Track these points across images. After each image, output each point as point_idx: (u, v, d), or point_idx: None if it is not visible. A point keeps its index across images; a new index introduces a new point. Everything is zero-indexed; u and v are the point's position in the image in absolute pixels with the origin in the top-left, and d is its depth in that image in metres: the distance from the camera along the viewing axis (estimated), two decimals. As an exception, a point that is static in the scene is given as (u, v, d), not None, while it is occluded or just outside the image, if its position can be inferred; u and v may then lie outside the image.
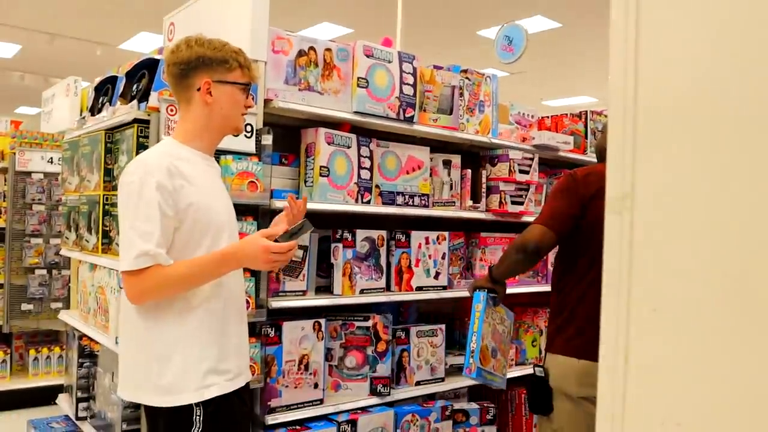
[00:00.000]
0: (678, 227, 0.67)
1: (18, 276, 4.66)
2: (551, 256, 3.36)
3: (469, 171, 3.40)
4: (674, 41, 0.69)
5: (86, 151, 2.82)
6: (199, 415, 1.76)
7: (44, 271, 4.72)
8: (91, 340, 2.92)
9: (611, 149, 0.73)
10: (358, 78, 2.84)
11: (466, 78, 3.34)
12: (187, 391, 1.76)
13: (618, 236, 0.71)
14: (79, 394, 2.98)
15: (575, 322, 2.39)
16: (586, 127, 3.93)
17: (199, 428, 1.76)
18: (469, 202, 3.38)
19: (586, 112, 3.98)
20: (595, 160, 2.84)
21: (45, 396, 4.16)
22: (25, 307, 4.69)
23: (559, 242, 2.41)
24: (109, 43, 9.43)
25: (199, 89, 1.85)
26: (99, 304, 2.73)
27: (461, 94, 3.29)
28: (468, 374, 2.42)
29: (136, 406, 2.42)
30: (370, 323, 2.96)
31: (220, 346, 1.84)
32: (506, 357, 2.61)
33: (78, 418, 2.99)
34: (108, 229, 2.61)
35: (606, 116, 4.01)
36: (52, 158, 4.70)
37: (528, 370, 3.55)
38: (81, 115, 3.34)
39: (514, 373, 3.57)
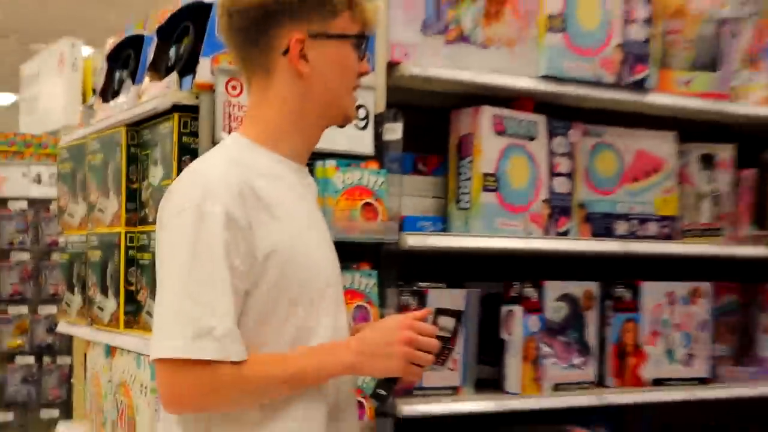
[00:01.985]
0: None
1: (-11, 368, 4.85)
2: None
3: (752, 172, 3.32)
4: None
5: (96, 162, 2.89)
6: None
7: (30, 359, 4.89)
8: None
9: None
10: (549, 16, 2.84)
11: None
12: None
13: None
14: None
15: None
16: None
17: None
18: (750, 230, 3.30)
19: None
20: None
21: None
22: (1, 417, 4.88)
23: None
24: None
25: (285, 52, 1.84)
26: (121, 411, 2.79)
27: (734, 35, 3.19)
28: None
29: None
30: (572, 447, 2.91)
31: None
32: None
33: None
34: (134, 288, 2.65)
35: None
36: (39, 175, 4.87)
37: None
38: (86, 102, 3.43)
39: None
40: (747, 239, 3.28)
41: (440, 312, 2.72)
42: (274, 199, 1.79)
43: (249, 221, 1.72)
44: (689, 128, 3.26)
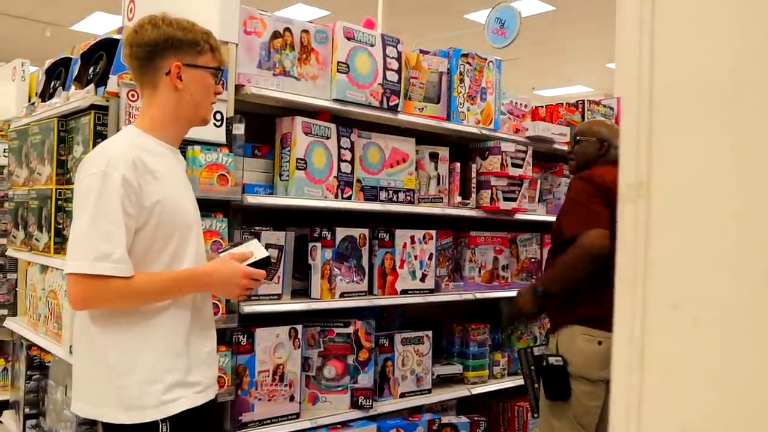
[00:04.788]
0: (699, 216, 0.67)
1: (-43, 280, 4.56)
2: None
3: (458, 164, 3.41)
4: (695, 12, 0.69)
5: (36, 141, 2.78)
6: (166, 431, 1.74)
7: (-14, 275, 4.61)
8: (42, 350, 2.88)
9: (625, 132, 0.72)
10: (338, 62, 2.84)
11: (467, 63, 3.36)
12: (151, 405, 1.72)
13: (632, 227, 0.71)
14: (27, 411, 2.93)
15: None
16: (583, 117, 3.96)
17: None
18: (458, 198, 3.39)
19: (584, 101, 4.01)
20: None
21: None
22: (-36, 315, 4.59)
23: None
24: (60, 23, 9.31)
25: (167, 73, 1.83)
26: (51, 309, 2.70)
27: (461, 81, 3.31)
28: None
29: (92, 423, 2.38)
30: (351, 330, 2.95)
31: (189, 355, 1.80)
32: None
33: (24, 437, 2.95)
34: (61, 226, 2.57)
35: (597, 109, 4.04)
36: (-3, 150, 4.58)
37: (520, 380, 3.57)
38: (30, 101, 3.29)
39: (507, 383, 3.60)
40: (456, 205, 3.38)
41: (268, 246, 2.70)
42: (157, 168, 1.78)
43: (139, 182, 1.72)
44: (422, 136, 3.32)
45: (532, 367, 2.96)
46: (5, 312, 4.50)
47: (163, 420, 1.74)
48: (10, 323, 3.24)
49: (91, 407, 1.80)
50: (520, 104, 3.90)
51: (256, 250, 1.95)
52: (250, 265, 1.90)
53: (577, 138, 2.94)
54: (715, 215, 0.66)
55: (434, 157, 3.34)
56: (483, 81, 3.42)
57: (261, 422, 2.65)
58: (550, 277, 2.83)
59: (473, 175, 3.46)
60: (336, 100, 2.85)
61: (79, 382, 1.85)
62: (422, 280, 3.23)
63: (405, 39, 3.11)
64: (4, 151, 4.41)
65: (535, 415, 2.99)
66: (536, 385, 2.90)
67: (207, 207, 2.48)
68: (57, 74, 2.92)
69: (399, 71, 3.04)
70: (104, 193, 1.68)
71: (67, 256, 1.72)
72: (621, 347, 0.73)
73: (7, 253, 3.26)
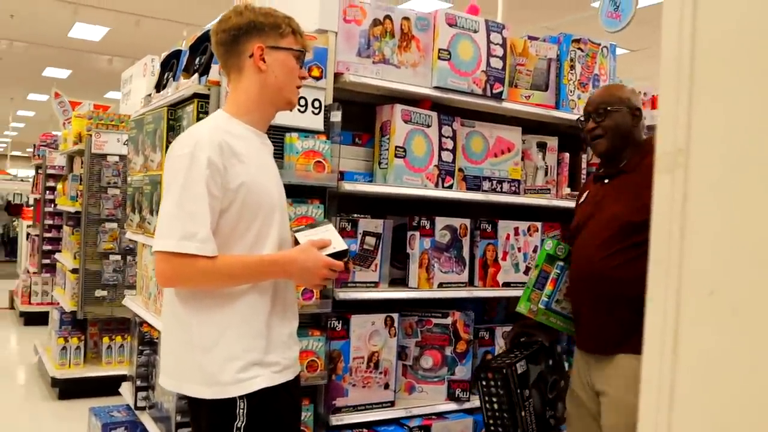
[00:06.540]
0: (743, 189, 0.59)
1: (93, 261, 4.99)
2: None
3: (567, 155, 3.29)
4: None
5: (150, 130, 2.93)
6: (243, 408, 1.77)
7: (118, 257, 5.02)
8: (151, 326, 3.05)
9: (663, 97, 0.65)
10: (440, 49, 2.80)
11: (579, 49, 3.24)
12: (228, 382, 1.77)
13: (668, 201, 0.64)
14: (139, 383, 3.11)
15: None
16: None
17: (242, 422, 1.77)
18: (567, 190, 3.28)
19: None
20: None
21: (118, 385, 4.36)
22: (99, 293, 5.01)
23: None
24: (196, 23, 9.82)
25: (251, 56, 1.87)
26: (159, 289, 2.83)
27: (572, 67, 3.20)
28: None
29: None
30: (449, 321, 2.92)
31: (268, 337, 1.84)
32: None
33: (137, 408, 3.11)
34: (170, 210, 2.70)
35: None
36: (127, 140, 4.99)
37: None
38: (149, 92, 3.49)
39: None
40: (564, 196, 3.28)
41: (366, 233, 2.72)
42: (242, 151, 1.82)
43: (224, 165, 1.76)
44: (528, 125, 3.24)
45: (519, 390, 2.45)
46: (134, 292, 4.84)
47: (241, 397, 1.77)
48: (128, 301, 3.44)
49: (177, 381, 1.87)
50: (639, 93, 3.68)
51: (333, 238, 1.93)
52: (329, 255, 1.89)
53: (607, 109, 2.37)
54: (761, 189, 0.58)
55: (542, 146, 3.24)
56: (596, 67, 3.27)
57: (355, 408, 2.67)
58: None
59: (584, 165, 3.33)
60: (437, 88, 2.81)
61: (166, 357, 1.93)
62: (526, 272, 3.13)
63: (531, 26, 3.01)
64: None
65: None
66: (523, 414, 2.45)
67: (303, 193, 2.53)
68: (170, 66, 3.07)
69: (504, 58, 2.96)
70: (191, 174, 1.73)
71: (155, 234, 1.79)
72: (653, 335, 0.66)
73: (126, 236, 3.47)
